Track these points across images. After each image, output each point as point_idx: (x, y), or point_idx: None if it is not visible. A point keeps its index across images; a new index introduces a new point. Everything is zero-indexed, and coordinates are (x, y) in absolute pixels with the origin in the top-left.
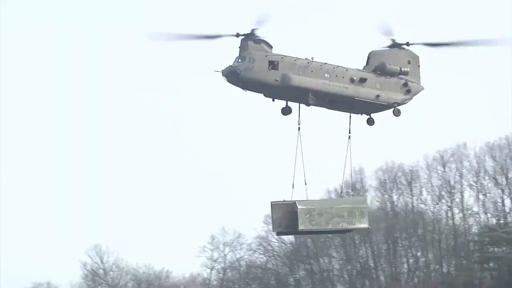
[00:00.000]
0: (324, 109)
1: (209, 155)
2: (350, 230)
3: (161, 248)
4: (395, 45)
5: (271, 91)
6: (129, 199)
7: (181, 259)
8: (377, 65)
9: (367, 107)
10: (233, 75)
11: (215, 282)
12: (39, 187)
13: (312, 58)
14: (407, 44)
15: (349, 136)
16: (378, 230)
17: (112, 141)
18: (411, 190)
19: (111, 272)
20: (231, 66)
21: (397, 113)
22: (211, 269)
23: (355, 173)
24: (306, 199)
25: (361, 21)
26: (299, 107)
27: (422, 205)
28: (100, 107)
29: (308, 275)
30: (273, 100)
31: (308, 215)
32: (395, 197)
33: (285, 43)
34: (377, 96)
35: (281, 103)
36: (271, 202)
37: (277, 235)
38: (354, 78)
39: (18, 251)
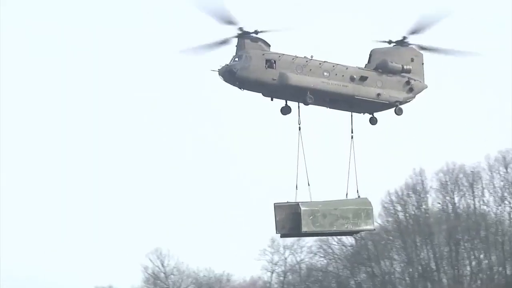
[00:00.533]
0: (326, 108)
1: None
2: (355, 232)
3: (222, 251)
4: (397, 43)
5: (269, 90)
6: (190, 202)
7: (241, 262)
8: (379, 63)
9: (368, 106)
10: (229, 74)
11: (275, 285)
12: (101, 192)
13: (312, 56)
14: (404, 39)
15: (352, 136)
16: (440, 232)
17: (169, 142)
18: (473, 192)
19: (172, 276)
20: (227, 65)
21: (398, 112)
22: (272, 272)
23: (416, 174)
24: (309, 201)
25: (363, 19)
26: (299, 107)
27: (484, 207)
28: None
29: (369, 278)
30: (272, 100)
31: (311, 217)
32: (456, 199)
33: (286, 41)
34: (378, 94)
35: (281, 103)
36: (274, 203)
37: (281, 237)
38: (355, 77)
39: (81, 255)
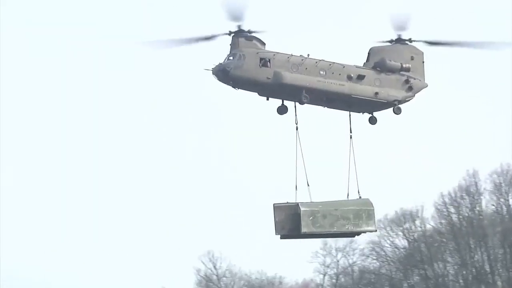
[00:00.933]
0: (324, 108)
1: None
2: (356, 233)
3: (274, 253)
4: (397, 41)
5: (263, 89)
6: (241, 205)
7: (293, 264)
8: (377, 61)
9: (366, 105)
10: (223, 74)
11: None
12: (152, 194)
13: (308, 55)
14: (410, 40)
15: (351, 135)
16: (494, 235)
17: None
18: None
19: (224, 278)
20: (221, 64)
21: (397, 111)
22: (324, 275)
23: (469, 176)
24: (309, 201)
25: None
26: (295, 106)
27: None
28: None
29: (422, 280)
30: (268, 99)
31: (311, 217)
32: (511, 201)
33: (282, 40)
34: (376, 93)
35: (277, 102)
36: (273, 204)
37: (281, 238)
38: (352, 75)
39: (133, 258)
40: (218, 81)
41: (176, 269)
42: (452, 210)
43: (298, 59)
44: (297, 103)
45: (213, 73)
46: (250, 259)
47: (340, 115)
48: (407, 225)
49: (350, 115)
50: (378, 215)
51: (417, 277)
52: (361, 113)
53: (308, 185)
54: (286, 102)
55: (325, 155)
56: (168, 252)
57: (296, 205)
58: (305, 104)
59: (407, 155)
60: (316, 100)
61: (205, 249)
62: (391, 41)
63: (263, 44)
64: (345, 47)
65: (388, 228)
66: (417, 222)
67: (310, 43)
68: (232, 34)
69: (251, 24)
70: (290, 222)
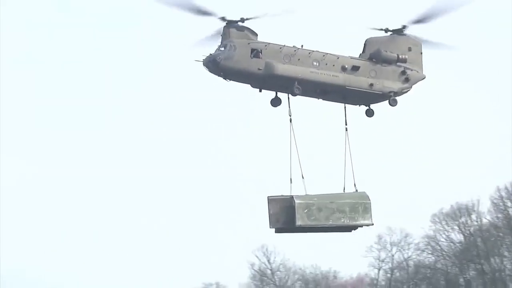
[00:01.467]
0: (319, 100)
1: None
2: (353, 227)
3: (328, 248)
4: (394, 32)
5: (255, 80)
6: None
7: (348, 259)
8: (372, 53)
9: (362, 97)
10: (213, 65)
11: (383, 283)
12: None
13: (302, 46)
14: (403, 27)
15: (346, 128)
16: None
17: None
18: None
19: (278, 272)
20: (211, 54)
21: (393, 102)
22: (379, 269)
23: None
24: (304, 194)
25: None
26: (288, 98)
27: None
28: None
29: (478, 275)
30: (260, 91)
31: (306, 210)
32: None
33: (276, 30)
34: (371, 84)
35: (270, 94)
36: (267, 196)
37: (275, 232)
38: (346, 66)
39: (188, 252)
40: (209, 72)
41: (231, 264)
42: (508, 204)
43: (290, 49)
44: (290, 95)
45: (203, 65)
46: (304, 253)
47: (342, 108)
48: (463, 219)
49: (345, 107)
50: (433, 209)
51: (473, 272)
52: (358, 106)
53: (302, 177)
54: (280, 94)
55: (323, 148)
56: (223, 247)
57: (291, 197)
58: (299, 96)
59: (464, 149)
60: (309, 91)
61: (259, 243)
62: (386, 31)
63: (255, 34)
64: (341, 38)
65: (443, 222)
66: (473, 216)
67: (305, 34)
68: (224, 25)
69: (240, 13)
70: (285, 215)
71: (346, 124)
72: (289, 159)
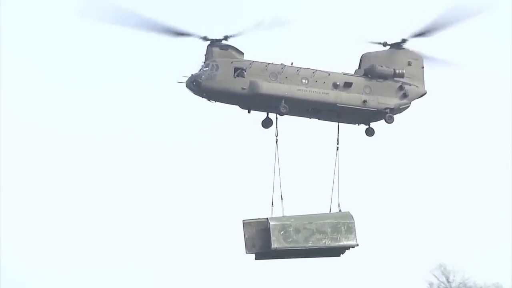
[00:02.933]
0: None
1: None
2: (336, 249)
3: (510, 265)
4: (392, 46)
5: (239, 100)
6: (473, 214)
7: None
8: (367, 68)
9: (356, 115)
10: (195, 85)
11: None
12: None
13: (292, 63)
14: (403, 41)
15: (337, 147)
16: None
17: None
18: None
19: None
20: (192, 75)
21: (388, 119)
22: None
23: None
24: (282, 215)
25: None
26: (277, 118)
27: None
28: None
29: None
30: (249, 112)
31: (283, 232)
32: None
33: (265, 48)
34: (364, 101)
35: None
36: (242, 220)
37: (255, 259)
38: (338, 83)
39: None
40: (192, 93)
41: (408, 283)
42: None
43: (277, 67)
44: (280, 115)
45: (186, 86)
46: (484, 272)
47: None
48: None
49: (338, 125)
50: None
51: None
52: (357, 125)
53: (281, 198)
54: (271, 115)
55: (317, 168)
56: (400, 266)
57: (266, 219)
58: (292, 116)
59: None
60: (299, 111)
61: (437, 262)
62: (385, 45)
63: (241, 53)
64: (337, 54)
65: None
66: None
67: (298, 51)
68: (207, 43)
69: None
70: (261, 239)
71: (337, 143)
72: (272, 181)
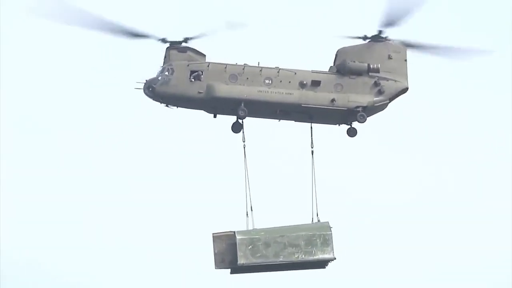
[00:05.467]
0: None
1: None
2: (311, 263)
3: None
4: (372, 39)
5: (198, 105)
6: None
7: None
8: (338, 64)
9: (327, 115)
10: (149, 91)
11: None
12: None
13: (258, 63)
14: (380, 33)
15: (312, 151)
16: None
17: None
18: None
19: None
20: (147, 80)
21: (360, 119)
22: None
23: None
24: (252, 228)
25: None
26: (242, 123)
27: None
28: None
29: None
30: (215, 116)
31: (251, 246)
32: None
33: (232, 48)
34: (332, 100)
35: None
36: (212, 233)
37: (230, 273)
38: (305, 82)
39: None
40: (152, 100)
41: None
42: None
43: (237, 68)
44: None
45: (143, 92)
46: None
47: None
48: None
49: (311, 127)
50: None
51: None
52: (337, 125)
53: (251, 210)
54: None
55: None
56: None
57: (233, 233)
58: (258, 118)
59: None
60: (264, 113)
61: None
62: (364, 38)
63: (202, 55)
64: (314, 51)
65: None
66: None
67: (269, 50)
68: (166, 46)
69: (183, 33)
70: (230, 253)
71: (312, 147)
72: (245, 190)
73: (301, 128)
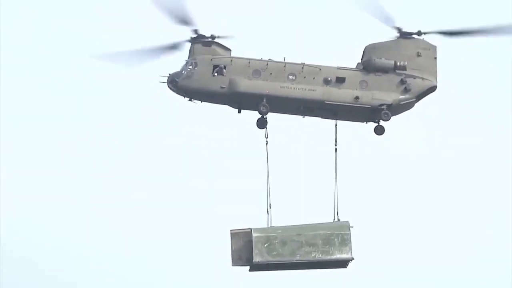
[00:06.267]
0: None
1: None
2: (328, 263)
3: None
4: (402, 35)
5: (221, 100)
6: None
7: None
8: (364, 61)
9: (349, 112)
10: (173, 85)
11: None
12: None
13: (284, 58)
14: (419, 33)
15: (336, 148)
16: None
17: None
18: None
19: None
20: (170, 74)
21: (384, 117)
22: None
23: None
24: (270, 226)
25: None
26: (266, 117)
27: None
28: None
29: None
30: (239, 112)
31: (267, 244)
32: None
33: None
34: (356, 98)
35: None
36: (230, 230)
37: (249, 270)
38: (329, 79)
39: None
40: (175, 94)
41: None
42: None
43: (261, 63)
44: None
45: (167, 86)
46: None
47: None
48: None
49: (336, 124)
50: None
51: None
52: (365, 122)
53: (270, 207)
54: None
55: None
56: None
57: (250, 230)
58: (283, 114)
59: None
60: (287, 109)
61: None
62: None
63: (227, 50)
64: (342, 46)
65: None
66: None
67: (302, 45)
68: (192, 40)
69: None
70: (246, 251)
71: (336, 144)
72: (267, 187)
73: (327, 125)
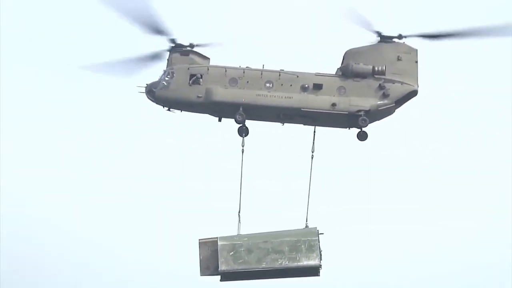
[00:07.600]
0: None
1: None
2: (296, 270)
3: None
4: (383, 39)
5: (199, 109)
6: None
7: None
8: (342, 66)
9: (327, 119)
10: (150, 95)
11: None
12: None
13: (263, 66)
14: (400, 37)
15: (312, 155)
16: None
17: None
18: None
19: None
20: (148, 84)
21: (362, 123)
22: None
23: None
24: (236, 234)
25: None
26: (245, 126)
27: None
28: None
29: None
30: (220, 120)
31: (232, 252)
32: None
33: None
34: (333, 104)
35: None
36: (198, 239)
37: (220, 280)
38: (307, 85)
39: None
40: (154, 103)
41: None
42: None
43: (238, 71)
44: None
45: (146, 95)
46: None
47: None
48: None
49: (314, 130)
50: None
51: None
52: (347, 128)
53: (239, 215)
54: (248, 122)
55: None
56: None
57: (216, 239)
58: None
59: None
60: (265, 117)
61: None
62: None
63: (206, 58)
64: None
65: None
66: None
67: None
68: (170, 49)
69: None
70: (214, 260)
71: (312, 151)
72: (239, 195)
73: (308, 131)
